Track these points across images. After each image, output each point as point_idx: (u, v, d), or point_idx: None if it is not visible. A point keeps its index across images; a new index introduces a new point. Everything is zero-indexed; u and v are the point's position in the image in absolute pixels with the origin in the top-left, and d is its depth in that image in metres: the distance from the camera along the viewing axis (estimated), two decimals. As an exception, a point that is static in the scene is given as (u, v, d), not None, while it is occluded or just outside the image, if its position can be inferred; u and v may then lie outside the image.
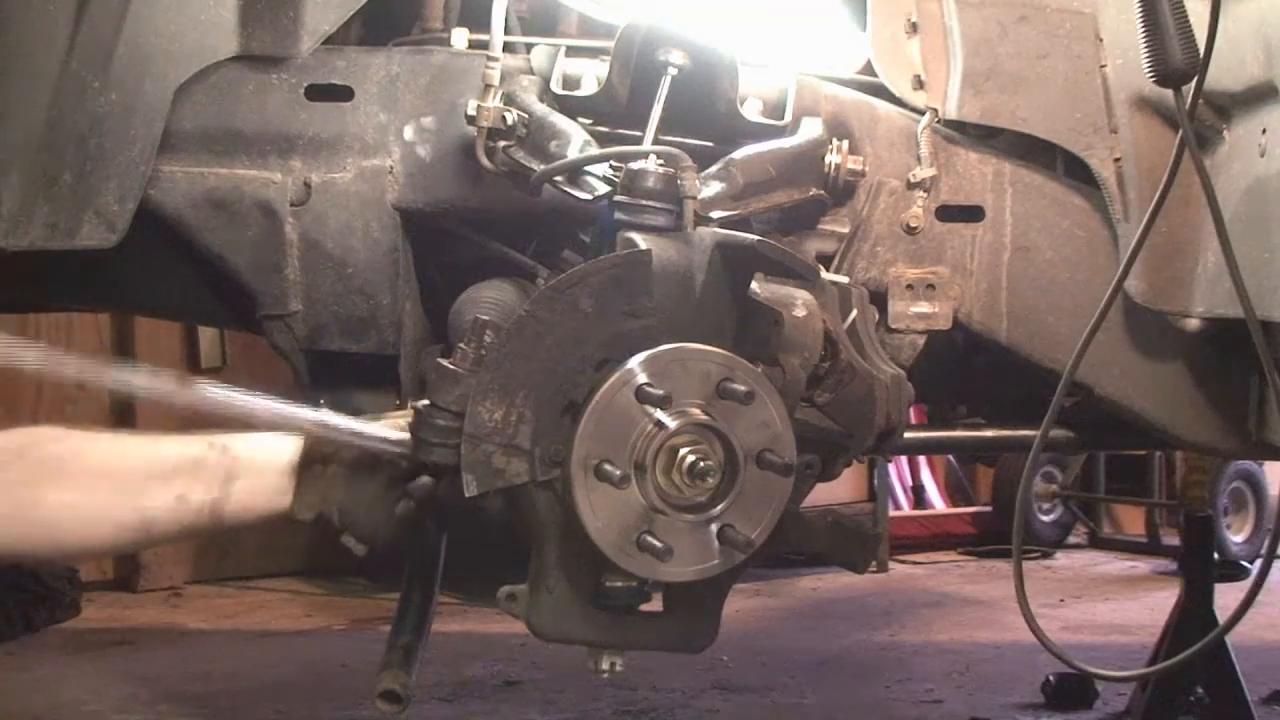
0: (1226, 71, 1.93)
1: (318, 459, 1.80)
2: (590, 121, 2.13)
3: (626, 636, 1.75)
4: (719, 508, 1.64)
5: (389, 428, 1.79)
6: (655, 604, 1.77)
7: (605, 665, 1.76)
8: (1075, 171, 2.23)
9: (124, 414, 5.21)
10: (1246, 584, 2.27)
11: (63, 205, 1.90)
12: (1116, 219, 2.17)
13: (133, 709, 3.67)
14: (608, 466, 1.60)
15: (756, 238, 1.78)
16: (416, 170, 2.16)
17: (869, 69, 2.28)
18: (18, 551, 1.89)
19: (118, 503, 1.77)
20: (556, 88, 2.15)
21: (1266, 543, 5.25)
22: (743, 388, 1.63)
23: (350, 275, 2.15)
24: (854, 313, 1.96)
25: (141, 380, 1.75)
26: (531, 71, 2.17)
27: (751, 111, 2.16)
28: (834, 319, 1.88)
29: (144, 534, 1.80)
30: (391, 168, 2.16)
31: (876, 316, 2.16)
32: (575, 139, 2.02)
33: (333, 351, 2.17)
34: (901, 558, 6.36)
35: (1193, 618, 3.50)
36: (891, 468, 6.57)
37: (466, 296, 2.11)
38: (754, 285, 1.78)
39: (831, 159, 2.15)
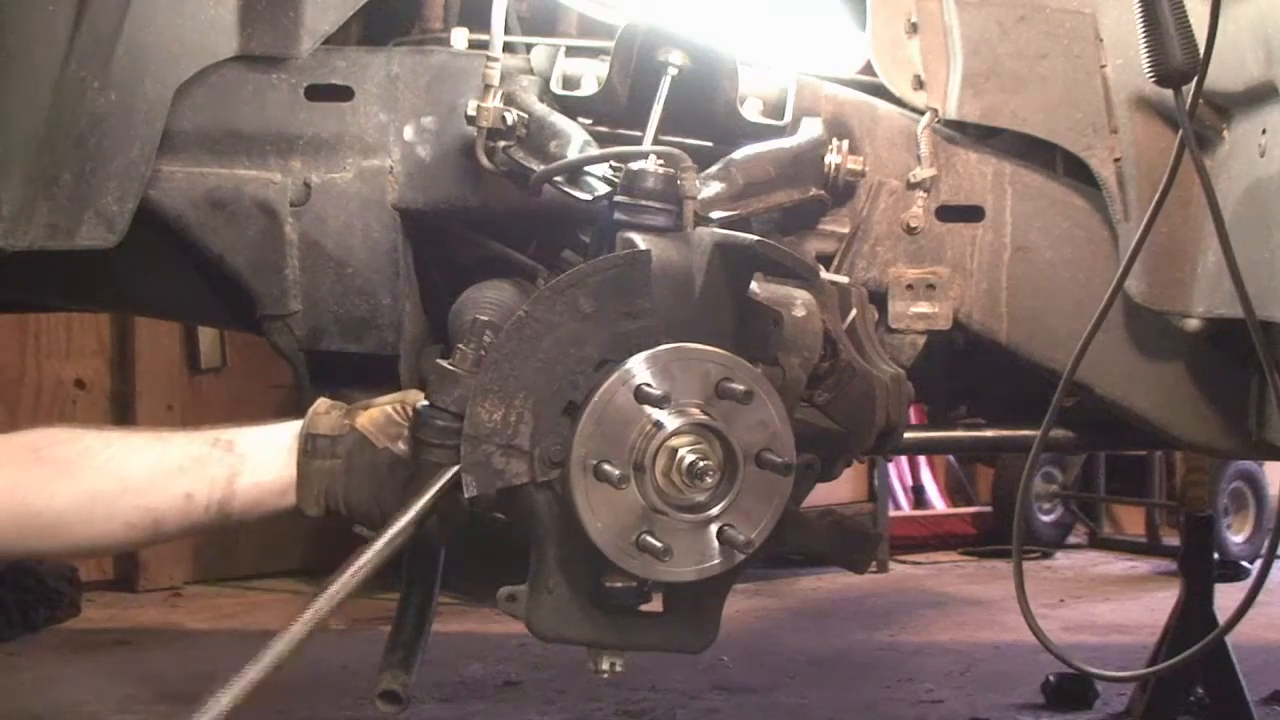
0: (1226, 71, 1.93)
1: (318, 452, 1.80)
2: (590, 121, 2.13)
3: (626, 637, 1.75)
4: (718, 508, 1.64)
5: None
6: (655, 604, 1.77)
7: (605, 665, 1.76)
8: (1075, 171, 2.23)
9: (123, 412, 5.23)
10: (1246, 584, 2.27)
11: (63, 205, 1.90)
12: (1116, 219, 2.17)
13: (133, 709, 3.67)
14: (607, 467, 1.60)
15: (756, 238, 1.78)
16: (416, 170, 2.16)
17: (869, 69, 2.28)
18: (29, 550, 1.90)
19: (127, 502, 1.78)
20: (556, 88, 2.15)
21: (1266, 543, 5.25)
22: (741, 387, 1.63)
23: (350, 275, 2.15)
24: (854, 313, 1.96)
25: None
26: (531, 71, 2.17)
27: (751, 111, 2.16)
28: (834, 319, 1.88)
29: (153, 533, 1.81)
30: (391, 168, 2.16)
31: (876, 316, 2.16)
32: (575, 139, 2.02)
33: (333, 352, 2.17)
34: (901, 558, 6.36)
35: (1193, 618, 3.50)
36: (891, 468, 6.57)
37: (466, 296, 2.11)
38: (754, 285, 1.79)
39: (831, 159, 2.15)
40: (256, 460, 1.80)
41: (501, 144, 2.05)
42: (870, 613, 5.18)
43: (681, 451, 1.62)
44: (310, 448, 1.80)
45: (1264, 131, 1.94)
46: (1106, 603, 5.42)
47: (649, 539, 1.61)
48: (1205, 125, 2.06)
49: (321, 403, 1.85)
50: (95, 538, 1.81)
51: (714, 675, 4.00)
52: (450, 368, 1.69)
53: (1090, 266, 2.23)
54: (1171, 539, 6.06)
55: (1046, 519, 6.82)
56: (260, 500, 1.81)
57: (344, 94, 2.15)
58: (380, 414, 1.82)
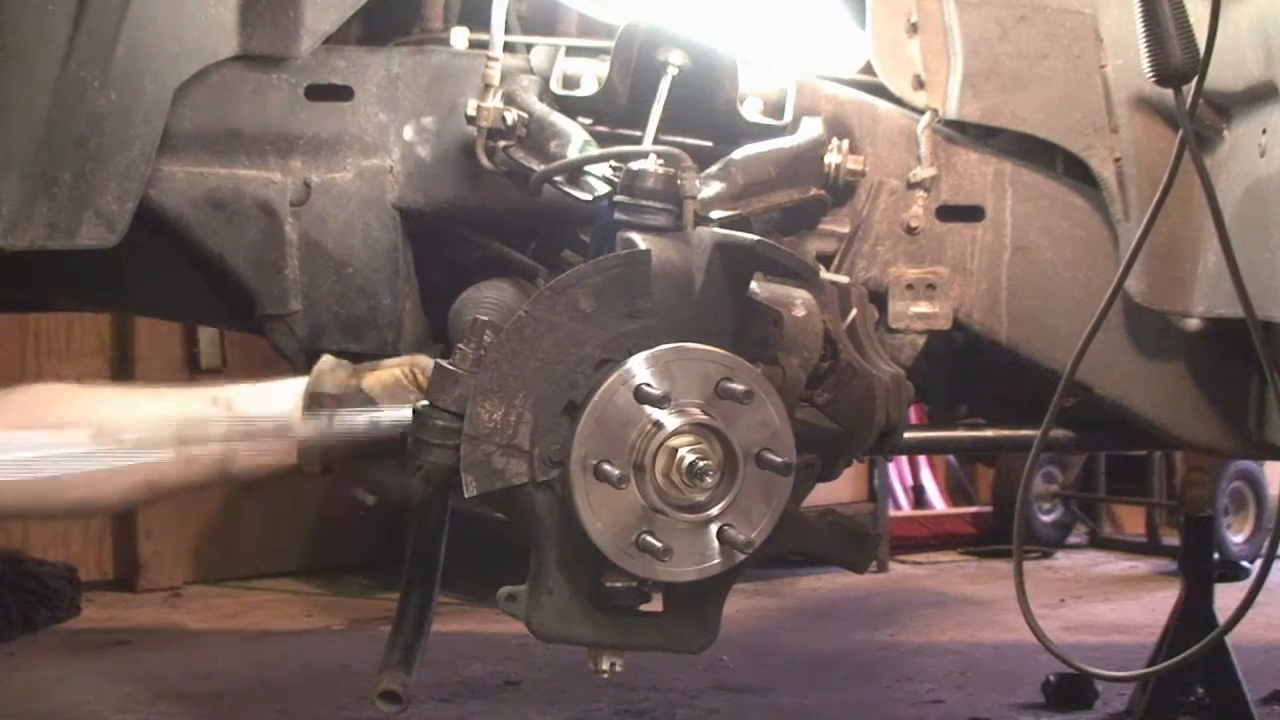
0: (1226, 71, 1.93)
1: (322, 409, 1.80)
2: (590, 121, 2.13)
3: (626, 637, 1.75)
4: (718, 508, 1.64)
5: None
6: (656, 604, 1.77)
7: (605, 665, 1.76)
8: (1075, 171, 2.23)
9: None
10: (1246, 584, 2.26)
11: (63, 205, 1.90)
12: (1116, 219, 2.17)
13: (133, 709, 3.67)
14: (607, 466, 1.60)
15: (756, 238, 1.78)
16: (416, 170, 2.16)
17: (869, 69, 2.28)
18: (25, 510, 1.90)
19: (124, 462, 1.77)
20: (556, 87, 2.15)
21: (1266, 543, 5.24)
22: (741, 387, 1.63)
23: (350, 275, 2.15)
24: (854, 313, 1.96)
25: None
26: (531, 71, 2.17)
27: (751, 111, 2.16)
28: (834, 319, 1.88)
29: (150, 492, 1.82)
30: (391, 168, 2.16)
31: (876, 316, 2.16)
32: (575, 139, 2.02)
33: (333, 351, 2.17)
34: (901, 558, 6.35)
35: (1193, 618, 3.50)
36: (891, 468, 6.56)
37: (466, 296, 2.11)
38: (754, 285, 1.79)
39: (831, 159, 2.15)
40: (257, 419, 1.81)
41: (501, 144, 2.05)
42: (870, 613, 5.17)
43: (681, 451, 1.62)
44: (314, 405, 1.80)
45: (1264, 131, 1.94)
46: (1106, 603, 5.42)
47: (649, 539, 1.61)
48: (1205, 125, 2.06)
49: (326, 360, 1.85)
50: (90, 498, 1.81)
51: (714, 675, 4.00)
52: (450, 368, 1.69)
53: (1090, 266, 2.23)
54: (1171, 539, 6.05)
55: (1047, 519, 6.82)
56: (259, 459, 1.81)
57: (344, 94, 2.15)
58: (389, 376, 1.82)
